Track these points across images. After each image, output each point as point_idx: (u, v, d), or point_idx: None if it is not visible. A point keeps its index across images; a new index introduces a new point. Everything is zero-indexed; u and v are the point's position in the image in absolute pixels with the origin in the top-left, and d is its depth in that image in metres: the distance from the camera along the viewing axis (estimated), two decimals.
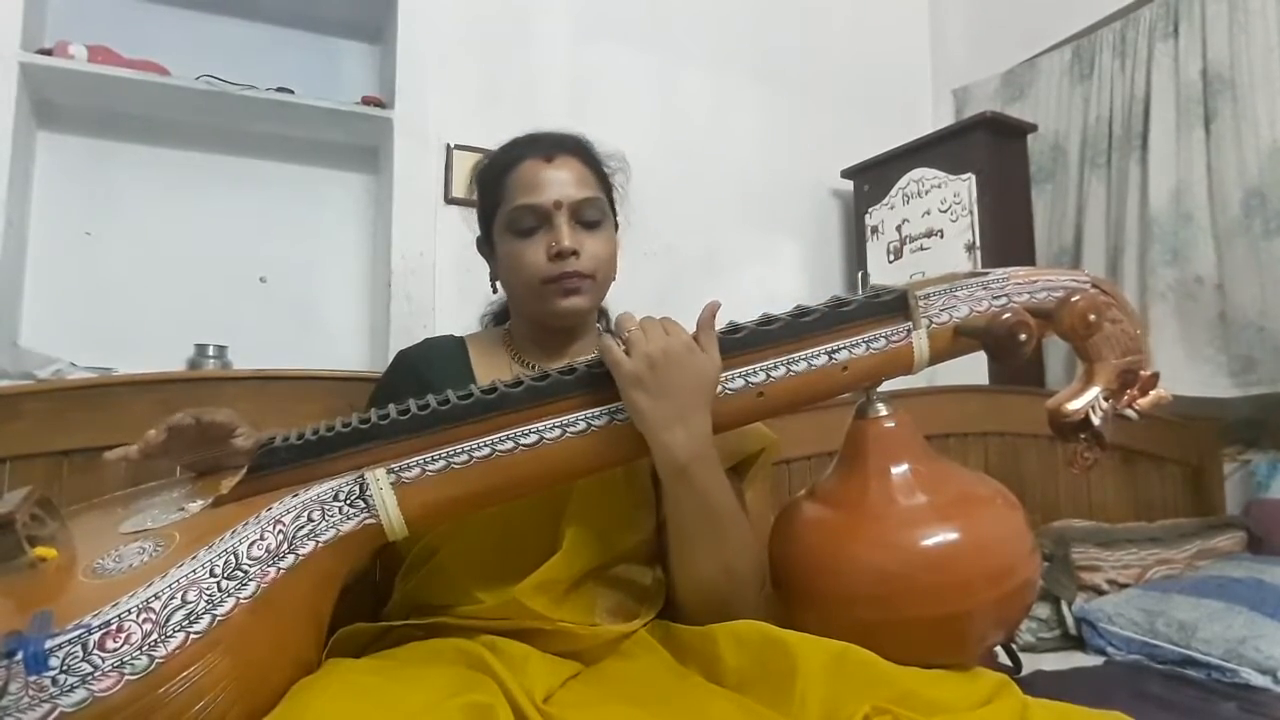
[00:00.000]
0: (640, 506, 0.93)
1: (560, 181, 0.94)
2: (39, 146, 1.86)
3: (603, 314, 1.10)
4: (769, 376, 0.80)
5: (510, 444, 0.75)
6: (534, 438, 0.76)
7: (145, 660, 0.58)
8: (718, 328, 0.81)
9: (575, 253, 0.93)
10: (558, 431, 0.76)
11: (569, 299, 0.94)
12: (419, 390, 0.79)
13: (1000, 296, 0.83)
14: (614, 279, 1.02)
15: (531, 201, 0.93)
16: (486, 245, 1.03)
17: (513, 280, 0.97)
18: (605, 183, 1.01)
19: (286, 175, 2.09)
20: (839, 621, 0.80)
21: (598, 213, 0.96)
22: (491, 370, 0.96)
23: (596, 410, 0.78)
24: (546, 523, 0.88)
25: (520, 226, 0.94)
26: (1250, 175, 1.88)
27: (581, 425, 0.77)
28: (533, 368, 0.96)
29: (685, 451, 0.76)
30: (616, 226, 1.03)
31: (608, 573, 0.89)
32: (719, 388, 0.79)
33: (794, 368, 0.80)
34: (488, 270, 1.06)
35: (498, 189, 0.97)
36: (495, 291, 1.06)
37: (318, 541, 0.70)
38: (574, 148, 0.99)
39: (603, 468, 0.82)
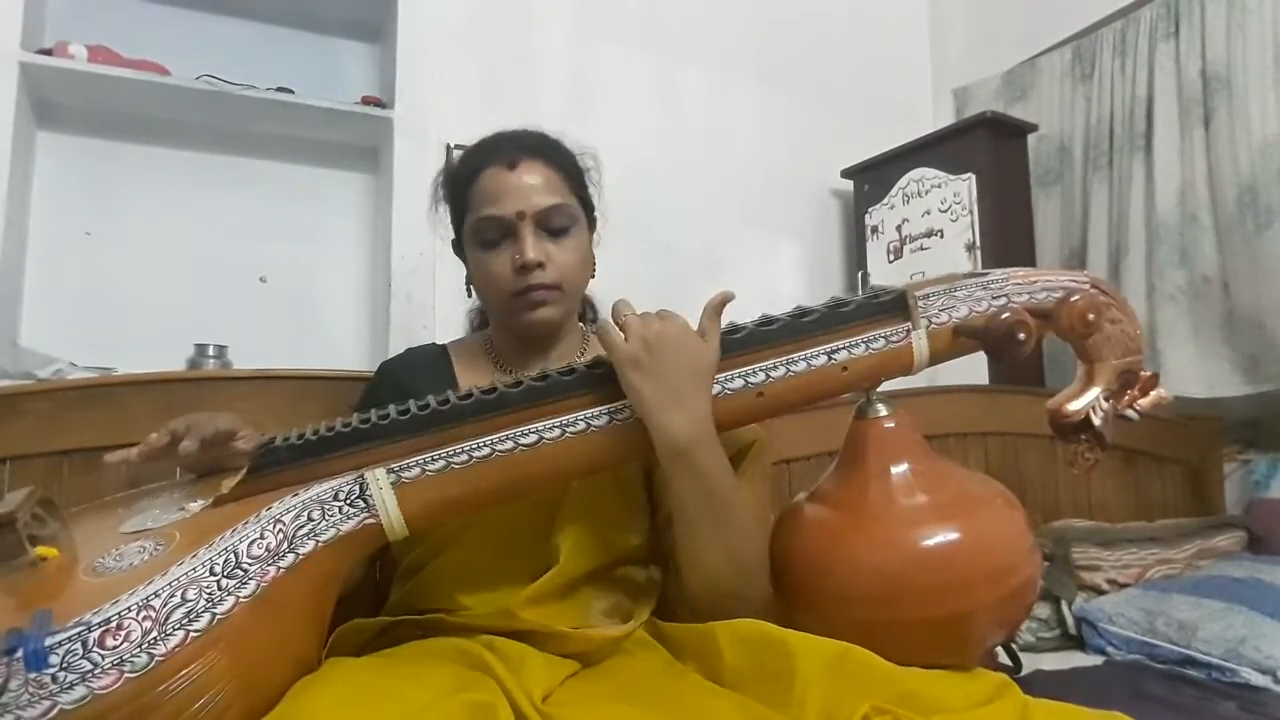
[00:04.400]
0: (631, 510, 0.93)
1: (524, 189, 0.92)
2: (39, 146, 1.86)
3: (588, 307, 1.10)
4: (768, 377, 0.80)
5: (510, 444, 0.75)
6: (533, 438, 0.76)
7: (145, 658, 0.58)
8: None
9: (541, 264, 0.91)
10: (557, 431, 0.76)
11: (537, 311, 0.93)
12: (402, 401, 0.79)
13: (1000, 297, 0.83)
14: (592, 277, 1.01)
15: (494, 213, 0.92)
16: (457, 250, 1.02)
17: (483, 291, 0.97)
18: (575, 182, 0.98)
19: (286, 175, 2.09)
20: (839, 622, 0.80)
21: (565, 219, 0.94)
22: (474, 378, 0.96)
23: (596, 410, 0.78)
24: (538, 531, 0.88)
25: (485, 238, 0.93)
26: (1243, 172, 1.89)
27: (581, 425, 0.77)
28: (514, 374, 0.96)
29: (685, 434, 0.75)
30: (594, 223, 1.02)
31: (601, 577, 0.89)
32: (718, 388, 0.79)
33: (794, 368, 0.80)
34: (465, 274, 1.04)
35: (461, 198, 0.96)
36: (470, 295, 1.05)
37: (318, 541, 0.70)
38: (538, 149, 0.95)
39: (603, 468, 0.82)
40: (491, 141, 0.98)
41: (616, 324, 0.78)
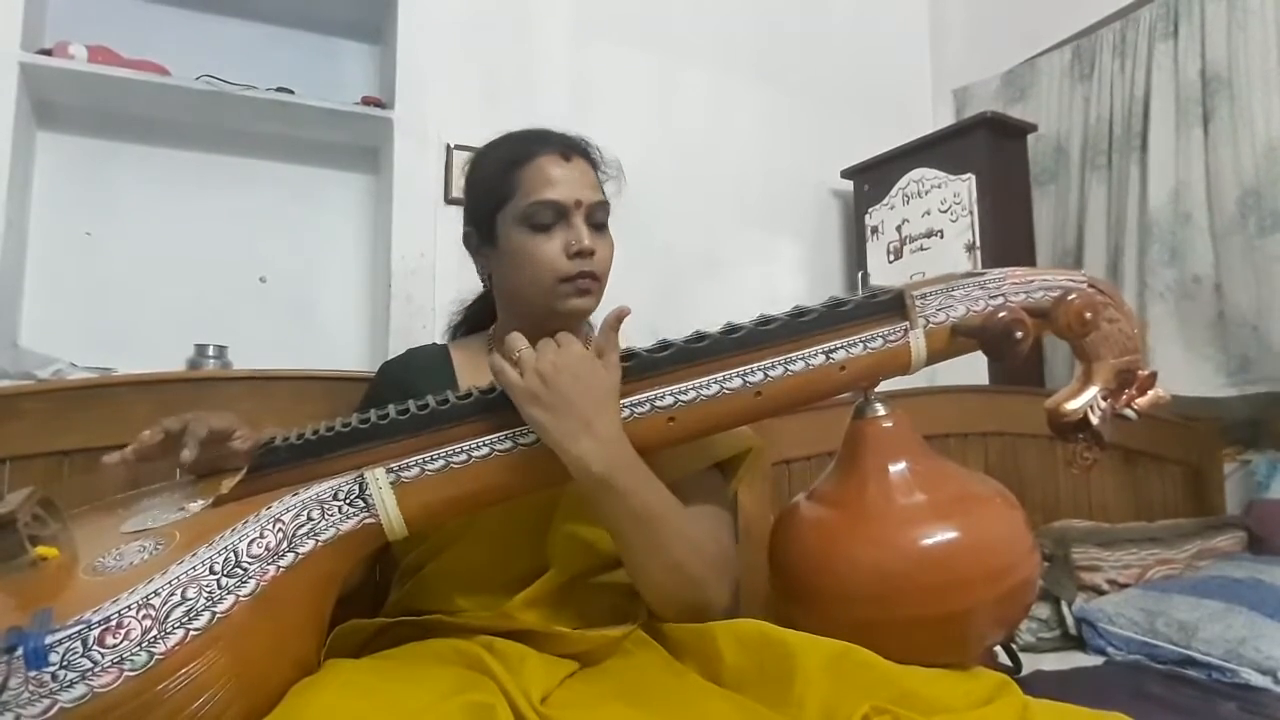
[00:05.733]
0: None
1: (577, 181, 0.95)
2: (39, 146, 1.86)
3: None
4: (766, 376, 0.80)
5: (509, 443, 0.76)
6: (532, 438, 0.76)
7: (145, 656, 0.58)
8: (714, 328, 0.81)
9: (593, 253, 0.93)
10: None
11: (582, 299, 0.94)
12: (403, 401, 0.79)
13: (997, 296, 0.83)
14: None
15: (553, 197, 0.93)
16: (482, 239, 1.00)
17: (521, 276, 0.95)
18: (604, 187, 1.01)
19: (286, 175, 2.09)
20: (838, 621, 0.80)
21: (605, 216, 0.97)
22: (476, 377, 0.96)
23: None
24: (535, 533, 0.88)
25: (538, 221, 0.93)
26: (1246, 174, 1.89)
27: None
28: None
29: (599, 461, 0.74)
30: None
31: (599, 578, 0.89)
32: (717, 388, 0.79)
33: (791, 367, 0.80)
34: (476, 268, 1.05)
35: (507, 182, 0.95)
36: (485, 286, 1.05)
37: (317, 540, 0.70)
38: (584, 150, 0.99)
39: None
40: (538, 133, 0.99)
41: (510, 360, 0.77)
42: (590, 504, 0.78)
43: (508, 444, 0.76)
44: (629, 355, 0.80)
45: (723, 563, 0.85)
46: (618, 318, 0.79)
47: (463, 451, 0.75)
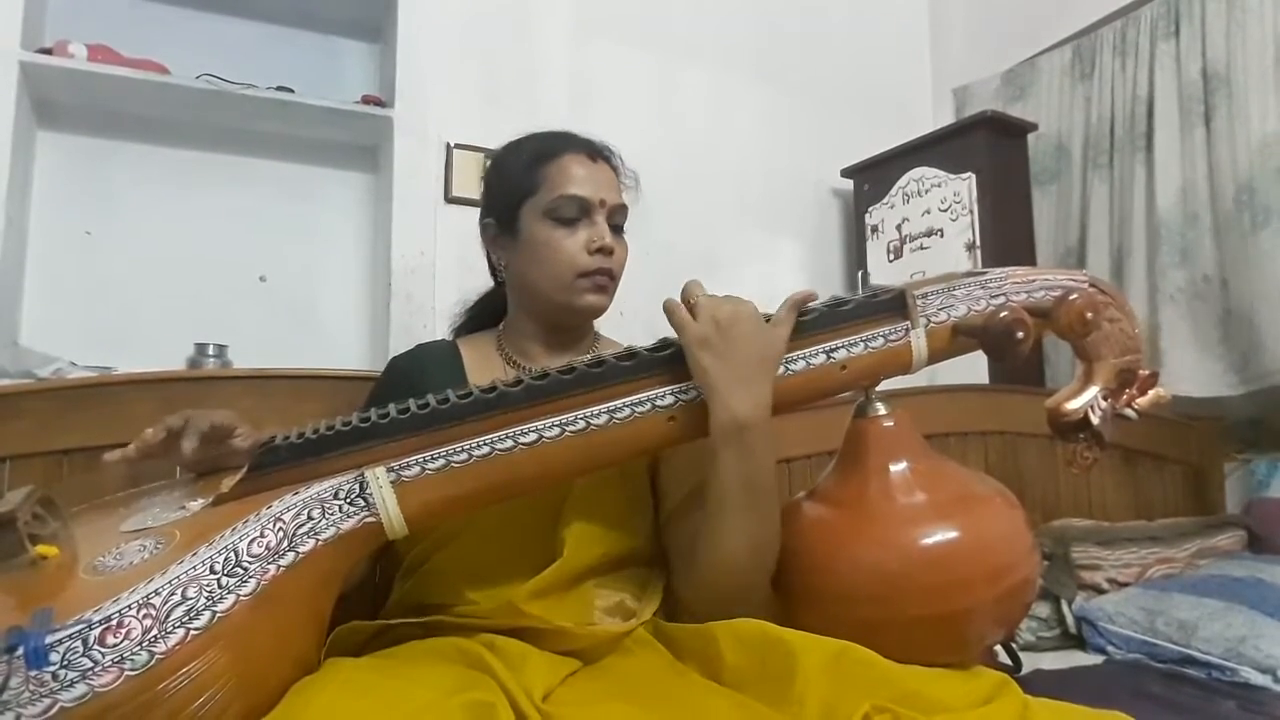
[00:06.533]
0: (636, 508, 0.94)
1: (602, 182, 0.98)
2: (39, 146, 1.86)
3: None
4: None
5: (510, 443, 0.75)
6: (533, 436, 0.76)
7: (145, 656, 0.58)
8: None
9: (612, 251, 0.96)
10: (557, 430, 0.76)
11: (597, 295, 0.96)
12: (411, 397, 0.79)
13: (998, 296, 0.83)
14: None
15: (580, 193, 0.95)
16: (502, 230, 1.01)
17: (540, 268, 0.96)
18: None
19: (286, 174, 2.09)
20: (839, 620, 0.80)
21: (624, 219, 1.00)
22: (485, 373, 0.96)
23: (595, 409, 0.78)
24: (543, 526, 0.88)
25: (562, 215, 0.95)
26: (1242, 170, 1.89)
27: (580, 424, 0.77)
28: (525, 370, 0.96)
29: (746, 414, 0.76)
30: None
31: (605, 573, 0.89)
32: None
33: (793, 367, 0.80)
34: (488, 261, 1.06)
35: (533, 175, 0.97)
36: (497, 281, 1.06)
37: (318, 539, 0.70)
38: (608, 156, 1.02)
39: (602, 466, 0.82)
40: (565, 134, 1.02)
41: (686, 304, 0.79)
42: (712, 456, 0.79)
43: (509, 443, 0.75)
44: (631, 354, 0.80)
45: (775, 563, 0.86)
46: (805, 298, 0.81)
47: (463, 450, 0.75)
